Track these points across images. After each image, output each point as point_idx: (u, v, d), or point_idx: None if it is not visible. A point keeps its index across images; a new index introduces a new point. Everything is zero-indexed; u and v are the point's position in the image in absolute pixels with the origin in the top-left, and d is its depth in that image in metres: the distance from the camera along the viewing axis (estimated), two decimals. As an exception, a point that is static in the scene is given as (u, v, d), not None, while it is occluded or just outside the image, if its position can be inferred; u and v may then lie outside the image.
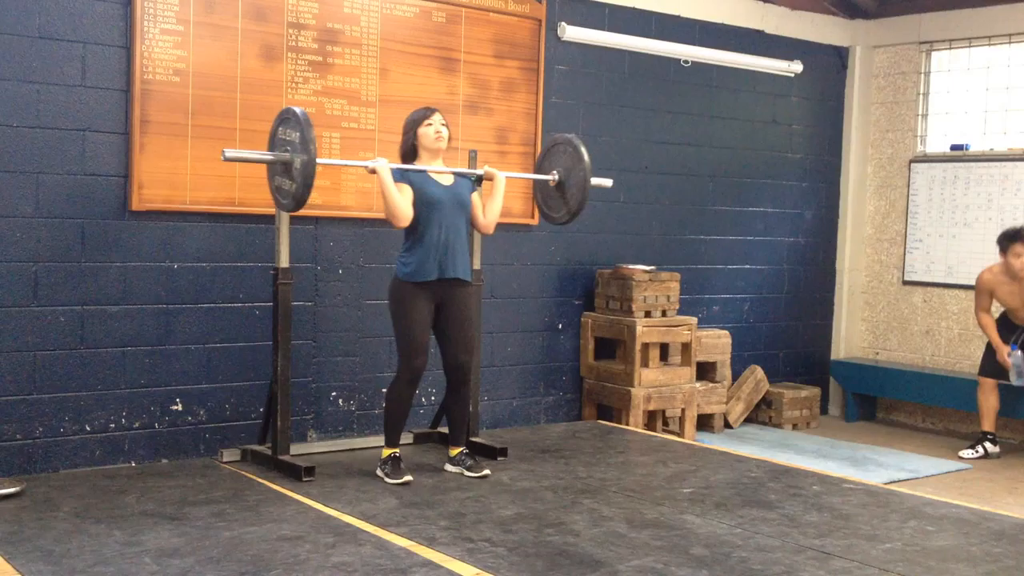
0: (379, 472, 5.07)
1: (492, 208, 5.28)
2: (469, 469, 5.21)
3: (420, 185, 5.03)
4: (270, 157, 4.93)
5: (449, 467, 5.30)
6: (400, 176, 5.01)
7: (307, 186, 4.74)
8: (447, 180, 5.14)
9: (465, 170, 5.39)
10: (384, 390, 5.90)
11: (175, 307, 5.43)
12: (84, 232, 5.16)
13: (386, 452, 5.09)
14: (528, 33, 6.61)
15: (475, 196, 5.25)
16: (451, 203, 5.08)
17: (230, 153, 4.88)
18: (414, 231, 5.03)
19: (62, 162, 5.09)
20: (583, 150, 5.51)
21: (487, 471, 5.20)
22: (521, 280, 6.75)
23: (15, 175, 4.97)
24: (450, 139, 5.20)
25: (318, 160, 4.76)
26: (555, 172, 5.62)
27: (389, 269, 5.92)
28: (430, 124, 5.11)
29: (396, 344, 5.13)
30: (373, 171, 5.00)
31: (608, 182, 5.86)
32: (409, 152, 5.16)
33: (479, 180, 5.36)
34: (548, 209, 5.76)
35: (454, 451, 5.32)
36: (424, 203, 5.00)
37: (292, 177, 4.81)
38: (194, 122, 5.39)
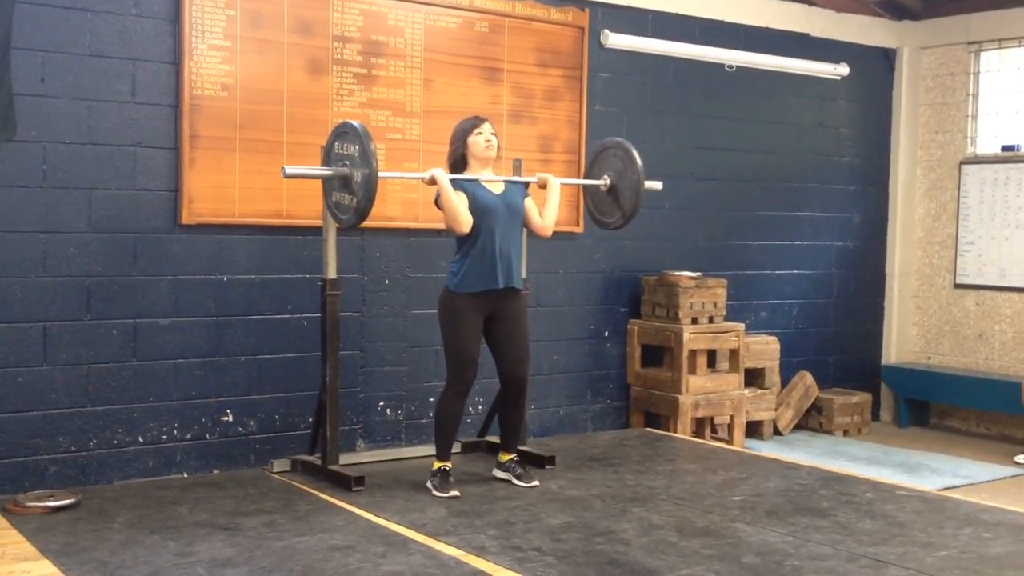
0: (428, 485, 5.07)
1: (549, 213, 5.23)
2: (519, 478, 5.20)
3: (473, 193, 5.01)
4: (329, 172, 4.92)
5: (498, 472, 5.29)
6: (454, 185, 4.99)
7: (370, 199, 4.71)
8: (498, 188, 5.12)
9: (517, 178, 5.38)
10: (432, 399, 5.92)
11: (225, 319, 5.49)
12: (136, 246, 5.23)
13: (436, 465, 5.08)
14: (571, 41, 6.61)
15: (528, 201, 5.21)
16: (505, 211, 5.05)
17: (290, 170, 4.91)
18: (467, 240, 4.99)
19: (114, 178, 5.16)
20: (634, 152, 5.46)
21: (536, 482, 5.18)
22: (566, 288, 6.74)
23: (68, 191, 5.05)
24: (499, 148, 5.19)
25: (380, 174, 4.74)
26: (606, 176, 5.58)
27: (435, 279, 5.94)
28: (480, 133, 5.09)
29: (445, 356, 5.12)
30: (431, 181, 4.99)
31: (658, 185, 5.77)
32: (458, 161, 5.14)
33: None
34: (600, 215, 5.71)
35: (504, 457, 5.30)
36: (478, 211, 4.96)
37: (352, 191, 4.80)
38: (242, 136, 5.45)
